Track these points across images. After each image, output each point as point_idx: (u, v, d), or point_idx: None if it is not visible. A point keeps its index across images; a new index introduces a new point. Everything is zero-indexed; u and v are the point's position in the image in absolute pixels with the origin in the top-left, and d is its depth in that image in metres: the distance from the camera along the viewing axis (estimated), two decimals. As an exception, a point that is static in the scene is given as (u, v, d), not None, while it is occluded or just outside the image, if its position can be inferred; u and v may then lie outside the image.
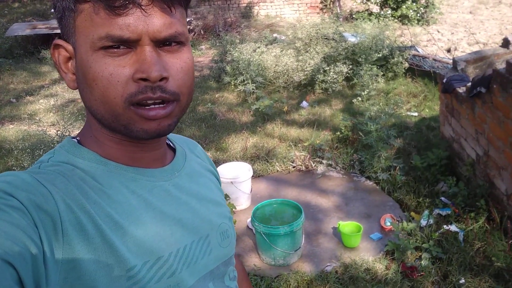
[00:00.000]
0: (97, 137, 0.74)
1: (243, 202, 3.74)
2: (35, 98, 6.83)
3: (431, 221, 3.24)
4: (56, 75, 7.96)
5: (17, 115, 6.11)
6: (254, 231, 3.17)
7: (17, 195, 0.59)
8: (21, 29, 9.39)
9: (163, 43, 0.67)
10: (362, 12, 11.05)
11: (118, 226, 0.67)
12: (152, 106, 0.67)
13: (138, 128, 0.68)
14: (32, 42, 9.70)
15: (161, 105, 0.67)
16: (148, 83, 0.65)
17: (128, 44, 0.64)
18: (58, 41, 0.71)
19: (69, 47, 0.70)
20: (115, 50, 0.64)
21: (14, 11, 12.45)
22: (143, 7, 0.63)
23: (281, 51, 6.93)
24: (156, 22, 0.64)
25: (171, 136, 0.91)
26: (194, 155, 0.93)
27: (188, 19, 10.39)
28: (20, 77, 7.96)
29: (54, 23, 9.54)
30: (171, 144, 0.88)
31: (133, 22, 0.63)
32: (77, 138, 0.77)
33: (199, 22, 10.58)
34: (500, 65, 3.61)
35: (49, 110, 6.23)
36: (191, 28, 10.41)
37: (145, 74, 0.64)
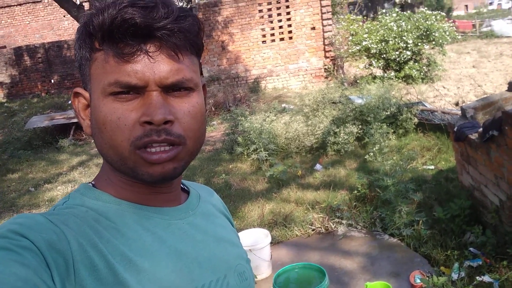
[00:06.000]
0: (111, 179, 0.75)
1: (263, 270, 3.61)
2: (53, 185, 6.94)
3: (463, 273, 3.07)
4: (73, 161, 8.16)
5: (35, 203, 6.17)
6: (277, 299, 3.02)
7: (29, 236, 0.58)
8: (39, 121, 9.81)
9: (171, 89, 0.68)
10: (366, 76, 11.34)
11: (132, 264, 0.66)
12: (157, 150, 0.67)
13: (144, 171, 0.69)
14: (50, 132, 10.07)
15: (165, 149, 0.68)
16: (153, 126, 0.66)
17: (136, 89, 0.66)
18: (78, 89, 0.75)
19: (87, 94, 0.73)
20: (124, 95, 0.66)
21: (34, 106, 13.09)
22: (150, 54, 0.65)
23: (290, 118, 7.05)
24: (163, 68, 0.66)
25: (187, 182, 0.91)
26: (209, 198, 0.92)
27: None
28: (38, 166, 8.17)
29: (71, 113, 9.97)
30: (185, 188, 0.88)
31: (140, 68, 0.65)
32: (92, 182, 0.78)
33: (210, 100, 10.94)
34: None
35: (66, 195, 6.30)
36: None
37: (149, 117, 0.65)
